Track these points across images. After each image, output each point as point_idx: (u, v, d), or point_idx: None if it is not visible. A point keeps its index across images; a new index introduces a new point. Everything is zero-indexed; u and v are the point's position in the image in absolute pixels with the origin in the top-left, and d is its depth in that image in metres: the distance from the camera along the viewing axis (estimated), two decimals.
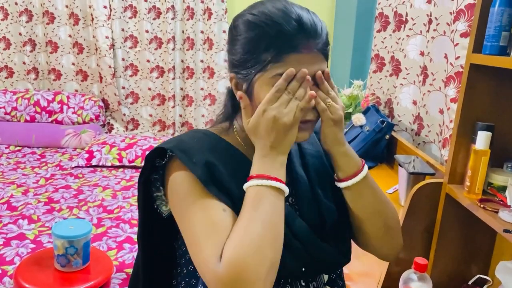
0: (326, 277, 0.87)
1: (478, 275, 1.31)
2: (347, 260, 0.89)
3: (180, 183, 0.77)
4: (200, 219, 0.73)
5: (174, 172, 0.78)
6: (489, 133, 1.12)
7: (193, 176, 0.75)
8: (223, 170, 0.77)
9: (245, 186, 0.74)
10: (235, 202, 0.76)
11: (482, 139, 1.12)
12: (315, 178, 0.88)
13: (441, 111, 1.73)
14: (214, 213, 0.73)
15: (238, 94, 0.77)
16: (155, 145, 3.07)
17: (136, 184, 0.95)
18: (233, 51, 0.79)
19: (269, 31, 0.74)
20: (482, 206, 1.11)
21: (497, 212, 1.07)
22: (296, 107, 0.74)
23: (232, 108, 0.86)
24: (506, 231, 0.99)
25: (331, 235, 0.85)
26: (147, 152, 0.86)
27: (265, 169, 0.74)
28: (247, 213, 0.71)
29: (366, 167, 0.86)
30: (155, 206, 0.85)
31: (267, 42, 0.74)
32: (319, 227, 0.84)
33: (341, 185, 0.84)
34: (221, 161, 0.78)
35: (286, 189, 0.74)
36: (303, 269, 0.79)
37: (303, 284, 0.83)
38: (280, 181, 0.74)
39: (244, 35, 0.77)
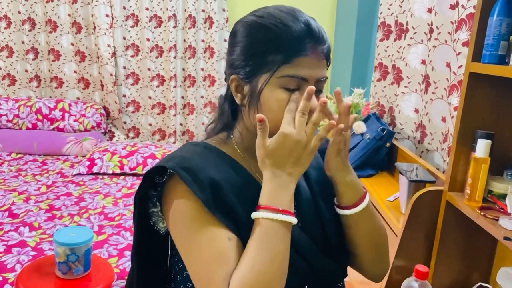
0: None
1: (479, 283, 1.31)
2: (346, 274, 0.89)
3: (184, 210, 0.74)
4: (206, 249, 0.71)
5: (176, 194, 0.76)
6: (489, 141, 1.13)
7: (197, 200, 0.73)
8: (227, 188, 0.75)
9: (254, 215, 0.72)
10: (239, 223, 0.74)
11: (482, 147, 1.13)
12: (317, 190, 0.88)
13: (444, 119, 1.74)
14: (219, 243, 0.71)
15: (258, 117, 0.73)
16: (156, 154, 3.05)
17: None
18: (234, 52, 0.79)
19: (278, 32, 0.74)
20: (482, 213, 1.11)
21: (497, 220, 1.07)
22: (312, 129, 0.73)
23: (232, 115, 0.85)
24: (506, 238, 1.00)
25: (332, 248, 0.85)
26: (147, 165, 0.84)
27: (276, 199, 0.72)
28: (255, 246, 0.70)
29: (367, 196, 0.86)
30: (152, 223, 0.83)
31: (276, 43, 0.74)
32: (321, 240, 0.84)
33: (341, 212, 0.85)
34: (224, 179, 0.76)
35: (295, 221, 0.73)
36: (306, 286, 0.79)
37: None
38: (291, 213, 0.72)
39: (249, 36, 0.77)
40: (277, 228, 0.71)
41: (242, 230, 0.74)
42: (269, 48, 0.74)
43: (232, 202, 0.75)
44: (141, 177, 0.83)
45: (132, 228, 0.87)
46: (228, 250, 0.71)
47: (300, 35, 0.74)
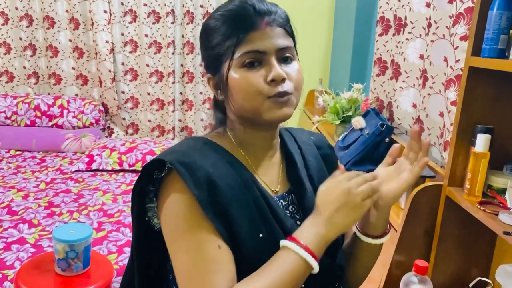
0: None
1: (479, 278, 1.31)
2: (344, 275, 0.90)
3: (177, 206, 0.74)
4: (194, 254, 0.71)
5: (171, 189, 0.75)
6: (489, 136, 1.13)
7: (192, 197, 0.72)
8: (224, 187, 0.74)
9: (285, 243, 0.73)
10: (232, 224, 0.74)
11: (482, 141, 1.13)
12: None
13: (441, 114, 1.73)
14: (208, 249, 0.71)
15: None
16: (155, 150, 3.05)
17: None
18: (204, 54, 0.84)
19: (225, 20, 0.78)
20: (482, 208, 1.11)
21: (497, 215, 1.07)
22: (366, 187, 0.75)
23: (222, 112, 0.87)
24: (506, 233, 1.00)
25: (334, 249, 0.85)
26: (146, 161, 0.84)
27: (314, 243, 0.73)
28: (274, 272, 0.70)
29: (390, 232, 0.89)
30: (146, 218, 0.83)
31: (225, 29, 0.78)
32: None
33: (364, 239, 0.87)
34: (222, 177, 0.75)
35: (317, 269, 0.73)
36: (303, 285, 0.79)
37: None
38: (318, 260, 0.73)
39: (208, 35, 0.81)
40: (301, 266, 0.72)
41: (235, 230, 0.73)
42: (221, 37, 0.78)
43: (227, 201, 0.74)
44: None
45: (132, 224, 0.86)
46: (221, 257, 0.72)
47: (244, 13, 0.77)
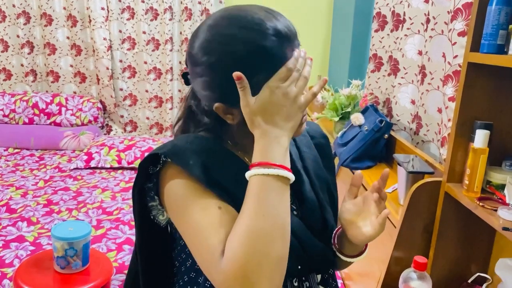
0: (319, 277, 0.87)
1: (478, 274, 1.31)
2: (336, 260, 0.90)
3: (176, 189, 0.74)
4: (200, 218, 0.71)
5: (169, 178, 0.75)
6: (488, 132, 1.13)
7: (190, 179, 0.72)
8: (219, 171, 0.75)
9: (248, 174, 0.70)
10: (235, 201, 0.74)
11: (481, 137, 1.12)
12: (316, 182, 0.88)
13: (440, 110, 1.73)
14: (210, 212, 0.71)
15: (236, 74, 0.68)
16: (153, 147, 3.05)
17: None
18: (213, 85, 0.74)
19: (254, 59, 0.70)
20: (481, 204, 1.11)
21: (496, 210, 1.07)
22: (305, 86, 0.71)
23: (221, 129, 0.81)
24: (505, 229, 1.00)
25: (327, 236, 0.86)
26: (141, 159, 0.82)
27: (269, 155, 0.68)
28: (251, 206, 0.67)
29: (367, 249, 0.89)
30: (152, 217, 0.82)
31: (256, 67, 0.70)
32: (321, 230, 0.84)
33: (344, 258, 0.87)
34: (216, 162, 0.76)
35: (292, 177, 0.70)
36: (299, 267, 0.79)
37: (296, 284, 0.82)
38: (287, 168, 0.69)
39: (225, 67, 0.71)
40: (273, 183, 0.68)
41: (238, 207, 0.72)
42: (250, 74, 0.70)
43: (225, 182, 0.74)
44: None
45: (131, 222, 0.86)
46: (219, 218, 0.70)
47: (274, 50, 0.70)
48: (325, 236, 0.85)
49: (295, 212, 0.85)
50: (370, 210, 0.81)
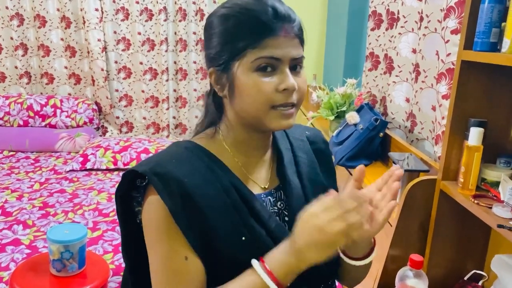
0: None
1: (474, 271, 1.32)
2: (335, 274, 0.90)
3: (152, 213, 0.75)
4: (165, 260, 0.73)
5: (149, 197, 0.76)
6: (482, 129, 1.13)
7: (165, 207, 0.73)
8: (199, 196, 0.74)
9: (253, 263, 0.72)
10: (207, 230, 0.74)
11: (475, 135, 1.13)
12: (309, 187, 0.88)
13: (434, 108, 1.73)
14: (174, 261, 0.73)
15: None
16: (149, 148, 3.02)
17: None
18: (210, 45, 0.80)
19: (244, 19, 0.75)
20: (476, 202, 1.11)
21: (491, 208, 1.07)
22: (343, 222, 0.67)
23: (217, 109, 0.84)
24: (500, 226, 1.00)
25: None
26: (141, 160, 0.83)
27: (280, 271, 0.70)
28: None
29: (375, 249, 0.86)
30: (138, 221, 0.82)
31: (243, 29, 0.75)
32: None
33: (349, 261, 0.84)
34: (197, 185, 0.75)
35: None
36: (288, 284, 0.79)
37: None
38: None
39: (220, 28, 0.78)
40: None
41: (214, 234, 0.73)
42: (238, 35, 0.75)
43: (203, 210, 0.74)
44: None
45: (120, 229, 0.86)
46: (185, 270, 0.72)
47: (265, 17, 0.74)
48: None
49: (286, 218, 0.84)
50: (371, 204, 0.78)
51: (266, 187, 0.86)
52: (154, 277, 0.75)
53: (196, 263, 0.74)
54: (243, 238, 0.75)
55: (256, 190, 0.83)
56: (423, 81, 1.81)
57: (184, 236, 0.73)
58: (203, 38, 0.84)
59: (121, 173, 2.83)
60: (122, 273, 1.72)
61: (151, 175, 0.74)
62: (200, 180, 0.76)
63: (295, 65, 0.78)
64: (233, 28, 0.76)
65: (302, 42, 0.80)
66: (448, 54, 1.59)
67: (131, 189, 0.80)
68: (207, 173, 0.78)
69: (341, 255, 0.85)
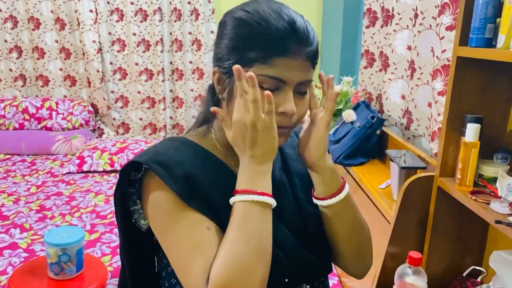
0: (308, 286, 0.84)
1: (472, 267, 1.32)
2: (330, 270, 0.88)
3: (160, 202, 0.73)
4: (185, 240, 0.71)
5: (152, 188, 0.75)
6: (478, 125, 1.13)
7: (172, 192, 0.72)
8: (203, 180, 0.74)
9: (231, 200, 0.72)
10: (217, 213, 0.73)
11: (471, 131, 1.13)
12: (297, 183, 0.87)
13: (430, 105, 1.73)
14: (199, 232, 0.71)
15: (212, 109, 0.74)
16: (144, 149, 3.05)
17: None
18: (220, 45, 0.77)
19: (260, 30, 0.72)
20: (473, 198, 1.11)
21: (488, 204, 1.07)
22: (259, 111, 0.70)
23: (214, 105, 0.82)
24: (498, 222, 1.00)
25: (314, 242, 0.83)
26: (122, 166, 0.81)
27: (250, 182, 0.71)
28: (233, 232, 0.69)
29: (347, 185, 0.83)
30: (133, 220, 0.82)
31: (256, 41, 0.72)
32: (302, 233, 0.82)
33: (320, 203, 0.81)
34: (201, 171, 0.75)
35: (273, 202, 0.72)
36: (286, 280, 0.78)
37: None
38: (267, 194, 0.71)
39: (234, 30, 0.75)
40: (254, 209, 0.70)
41: (222, 219, 0.73)
42: (250, 45, 0.72)
43: (208, 192, 0.74)
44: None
45: (118, 229, 0.85)
46: (207, 239, 0.70)
47: (282, 34, 0.71)
48: (308, 238, 0.82)
49: (278, 217, 0.84)
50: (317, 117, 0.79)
51: None
52: (178, 260, 0.72)
53: (218, 229, 0.73)
54: None
55: None
56: (418, 78, 1.81)
57: (199, 211, 0.72)
58: (216, 33, 0.82)
59: (118, 175, 2.82)
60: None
61: (153, 164, 0.73)
62: (201, 167, 0.76)
63: (300, 88, 0.76)
64: (246, 37, 0.73)
65: (314, 65, 0.77)
66: (443, 51, 1.59)
67: (128, 186, 0.79)
68: (205, 163, 0.78)
69: (318, 202, 0.82)
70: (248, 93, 0.70)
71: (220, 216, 0.73)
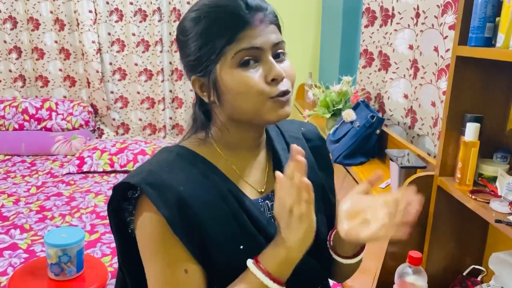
0: None
1: (473, 266, 1.32)
2: (330, 274, 0.90)
3: (148, 225, 0.73)
4: (164, 274, 0.71)
5: (143, 208, 0.74)
6: (478, 125, 1.13)
7: (161, 217, 0.70)
8: (196, 204, 0.72)
9: (249, 265, 0.72)
10: (206, 239, 0.72)
11: (471, 130, 1.13)
12: None
13: (434, 104, 1.73)
14: (175, 275, 0.71)
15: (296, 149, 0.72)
16: (146, 150, 2.99)
17: None
18: (187, 52, 0.77)
19: (216, 17, 0.73)
20: (473, 197, 1.11)
21: (488, 203, 1.07)
22: (299, 197, 0.69)
23: (205, 115, 0.82)
24: (498, 221, 1.00)
25: (315, 248, 0.81)
26: (138, 162, 0.80)
27: (277, 268, 0.71)
28: None
29: (363, 252, 0.87)
30: (130, 231, 0.81)
31: (217, 26, 0.73)
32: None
33: (343, 261, 0.85)
34: (194, 193, 0.73)
35: None
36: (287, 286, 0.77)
37: None
38: (282, 284, 0.71)
39: (193, 31, 0.75)
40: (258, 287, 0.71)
41: (212, 243, 0.72)
42: (213, 34, 0.73)
43: (200, 218, 0.72)
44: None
45: (114, 240, 0.84)
46: (181, 284, 0.71)
47: (235, 10, 0.72)
48: (314, 245, 0.80)
49: None
50: (378, 212, 0.73)
51: (263, 190, 0.83)
52: None
53: (197, 273, 0.72)
54: (241, 246, 0.74)
55: (253, 194, 0.81)
56: (422, 77, 1.81)
57: (184, 245, 0.71)
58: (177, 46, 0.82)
59: (118, 175, 2.83)
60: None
61: (145, 186, 0.71)
62: (197, 188, 0.74)
63: (278, 53, 0.76)
64: (207, 29, 0.73)
65: (279, 27, 0.79)
66: (447, 50, 1.59)
67: (122, 200, 0.78)
68: (203, 180, 0.75)
69: (333, 255, 0.85)
70: (295, 178, 0.69)
71: (209, 244, 0.72)
